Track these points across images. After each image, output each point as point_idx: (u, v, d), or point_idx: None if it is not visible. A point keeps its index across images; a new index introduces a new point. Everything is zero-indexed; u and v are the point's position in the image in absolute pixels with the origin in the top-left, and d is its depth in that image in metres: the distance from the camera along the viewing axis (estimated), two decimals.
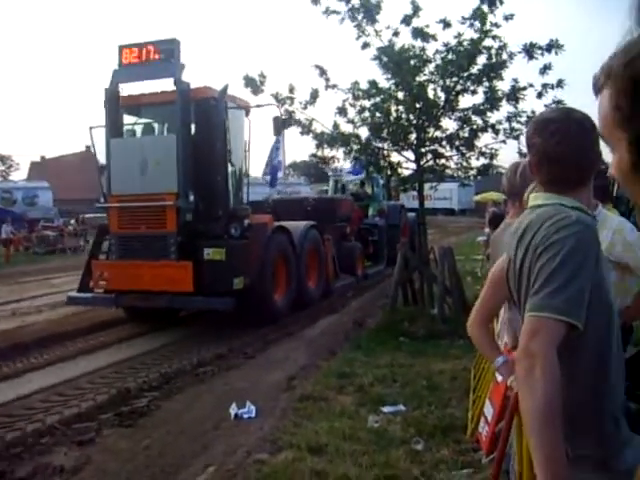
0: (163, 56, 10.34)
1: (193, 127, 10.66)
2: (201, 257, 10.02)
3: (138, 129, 11.56)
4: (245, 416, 6.29)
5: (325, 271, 13.72)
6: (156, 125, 11.80)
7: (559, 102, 10.23)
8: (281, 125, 11.22)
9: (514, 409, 2.72)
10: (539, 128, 2.15)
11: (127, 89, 10.90)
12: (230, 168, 10.92)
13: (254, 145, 12.11)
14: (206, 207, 10.56)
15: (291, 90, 11.24)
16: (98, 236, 11.65)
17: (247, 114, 11.32)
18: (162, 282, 9.95)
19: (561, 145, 2.06)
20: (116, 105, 10.79)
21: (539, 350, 1.86)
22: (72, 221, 35.18)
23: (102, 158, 11.12)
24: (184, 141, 10.20)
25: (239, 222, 10.75)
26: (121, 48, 10.62)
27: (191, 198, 10.39)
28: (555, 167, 2.10)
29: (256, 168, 18.14)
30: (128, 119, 11.51)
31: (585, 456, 2.03)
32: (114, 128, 10.85)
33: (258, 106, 11.01)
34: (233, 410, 6.36)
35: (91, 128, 11.15)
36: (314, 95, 11.12)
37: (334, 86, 11.14)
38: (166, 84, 10.50)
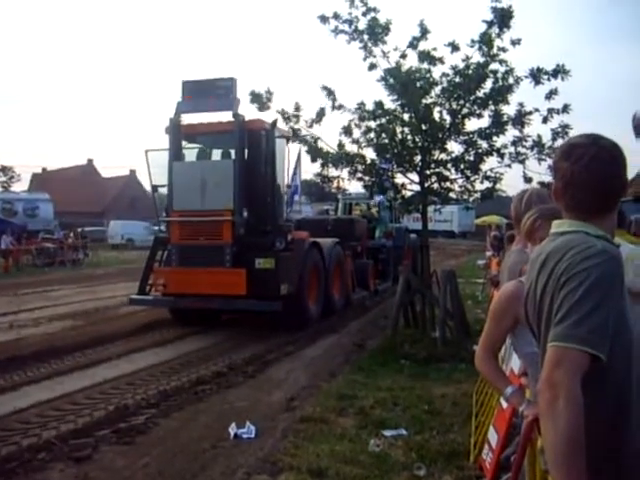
0: (222, 92, 11.99)
1: (246, 153, 12.18)
2: (253, 265, 11.46)
3: (193, 153, 13.27)
4: (245, 436, 6.20)
5: (346, 283, 15.06)
6: (212, 150, 13.65)
7: (565, 127, 10.23)
8: (316, 153, 11.76)
9: (527, 437, 2.68)
10: (565, 153, 2.11)
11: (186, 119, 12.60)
12: (276, 189, 12.48)
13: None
14: (257, 222, 12.17)
15: (297, 108, 11.27)
16: (154, 247, 13.14)
17: (287, 142, 12.47)
18: (218, 286, 11.38)
19: (588, 170, 2.02)
20: (178, 133, 12.45)
21: (562, 381, 1.82)
22: (71, 234, 35.09)
23: (155, 178, 12.83)
24: (239, 165, 11.84)
25: (284, 236, 12.22)
26: (184, 83, 12.30)
27: (245, 214, 11.94)
28: (580, 192, 2.06)
29: None
30: (184, 144, 13.07)
31: None
32: (176, 152, 12.48)
33: (296, 135, 11.75)
34: (232, 430, 6.28)
35: (147, 151, 12.73)
36: (320, 114, 11.13)
37: (340, 107, 11.15)
38: (222, 116, 12.32)
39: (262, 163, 12.20)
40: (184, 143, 13.01)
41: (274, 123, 11.73)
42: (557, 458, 1.79)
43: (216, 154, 13.65)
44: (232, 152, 12.55)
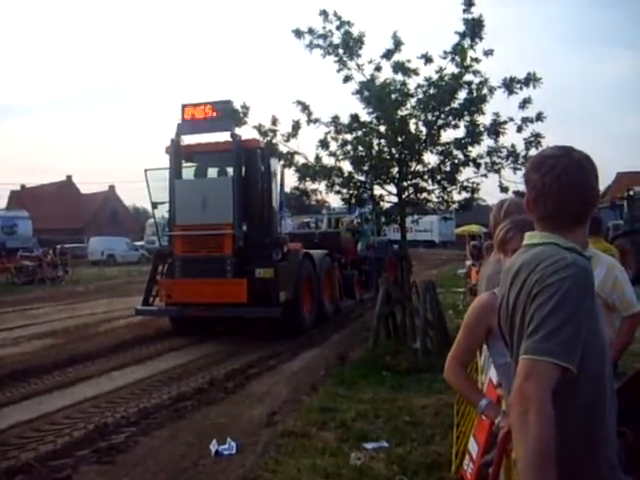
0: (220, 114, 12.60)
1: (243, 170, 13.07)
2: (253, 275, 12.27)
3: (189, 171, 14.07)
4: (226, 452, 6.18)
5: (335, 292, 15.92)
6: (207, 168, 14.28)
7: (537, 136, 10.30)
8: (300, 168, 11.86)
9: (502, 449, 2.69)
10: (537, 164, 2.13)
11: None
12: (271, 204, 13.29)
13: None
14: (255, 235, 12.97)
15: (274, 122, 11.22)
16: (156, 261, 14.09)
17: (279, 160, 12.64)
18: (220, 296, 12.14)
19: (559, 181, 2.04)
20: (179, 152, 13.38)
21: (533, 393, 1.83)
22: (50, 251, 34.73)
23: (154, 195, 13.71)
24: (237, 182, 12.75)
25: (280, 248, 13.12)
26: (183, 106, 13.28)
27: (244, 228, 12.87)
28: (552, 203, 2.07)
29: None
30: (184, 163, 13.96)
31: None
32: (177, 171, 13.43)
33: (289, 153, 11.67)
34: (213, 446, 6.25)
35: (146, 171, 13.67)
36: (296, 127, 11.11)
37: (316, 120, 11.15)
38: (219, 136, 13.28)
39: (258, 179, 13.05)
40: (188, 163, 13.89)
41: (269, 142, 11.96)
42: (528, 470, 1.80)
43: (211, 172, 14.27)
44: (229, 170, 13.36)
